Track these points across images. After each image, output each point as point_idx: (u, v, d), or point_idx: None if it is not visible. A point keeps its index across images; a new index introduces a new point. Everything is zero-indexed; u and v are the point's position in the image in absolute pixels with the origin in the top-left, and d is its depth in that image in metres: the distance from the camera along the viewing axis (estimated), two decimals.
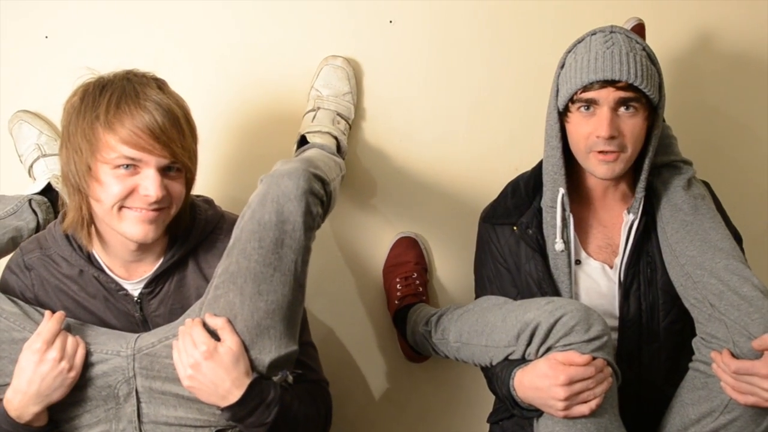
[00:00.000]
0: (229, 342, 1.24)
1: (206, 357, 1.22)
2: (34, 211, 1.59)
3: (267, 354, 1.27)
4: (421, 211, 1.86)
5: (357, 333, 1.87)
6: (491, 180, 1.71)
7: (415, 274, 1.78)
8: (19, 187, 1.73)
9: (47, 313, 1.30)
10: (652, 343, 1.44)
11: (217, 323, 1.26)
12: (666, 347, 1.45)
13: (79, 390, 1.29)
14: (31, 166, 1.75)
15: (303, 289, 1.31)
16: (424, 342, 1.60)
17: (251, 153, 1.79)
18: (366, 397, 1.89)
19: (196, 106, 1.34)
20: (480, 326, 1.41)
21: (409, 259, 1.79)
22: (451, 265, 1.86)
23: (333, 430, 1.90)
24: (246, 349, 1.26)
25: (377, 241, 1.85)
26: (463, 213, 1.81)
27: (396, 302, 1.77)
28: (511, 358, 1.35)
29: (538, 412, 1.32)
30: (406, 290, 1.76)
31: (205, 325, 1.26)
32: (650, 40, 1.70)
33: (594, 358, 1.26)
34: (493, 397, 1.62)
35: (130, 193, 1.25)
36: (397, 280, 1.78)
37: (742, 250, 1.44)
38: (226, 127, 1.79)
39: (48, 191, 1.69)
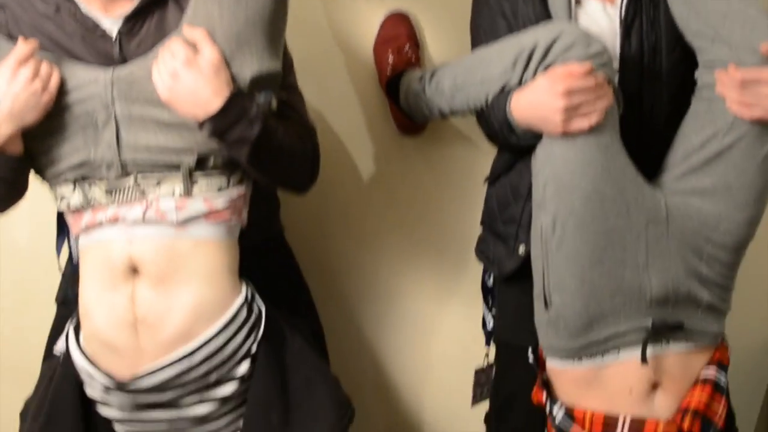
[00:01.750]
0: (208, 53, 1.19)
1: (185, 64, 1.17)
2: None
3: (248, 68, 1.22)
4: None
5: (347, 115, 1.80)
6: None
7: (408, 47, 1.70)
8: None
9: (21, 38, 1.24)
10: (654, 83, 1.38)
11: (195, 35, 1.21)
12: (668, 89, 1.39)
13: (55, 117, 1.25)
14: None
15: (285, 2, 1.26)
16: (417, 102, 1.53)
17: None
18: (357, 182, 1.84)
19: None
20: (476, 62, 1.36)
21: (402, 32, 1.72)
22: (444, 45, 1.78)
23: (324, 220, 1.86)
24: (226, 63, 1.20)
25: (366, 21, 1.76)
26: None
27: (388, 74, 1.70)
28: (507, 89, 1.30)
29: (536, 139, 1.27)
30: (399, 60, 1.69)
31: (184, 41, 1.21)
32: None
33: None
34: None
35: None
36: (390, 51, 1.70)
37: None
38: None
39: None
